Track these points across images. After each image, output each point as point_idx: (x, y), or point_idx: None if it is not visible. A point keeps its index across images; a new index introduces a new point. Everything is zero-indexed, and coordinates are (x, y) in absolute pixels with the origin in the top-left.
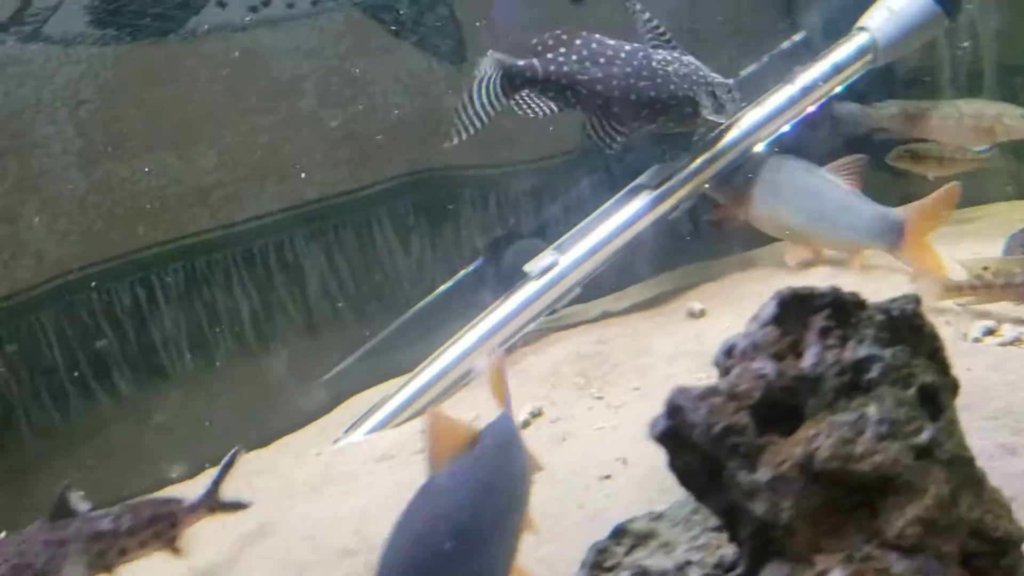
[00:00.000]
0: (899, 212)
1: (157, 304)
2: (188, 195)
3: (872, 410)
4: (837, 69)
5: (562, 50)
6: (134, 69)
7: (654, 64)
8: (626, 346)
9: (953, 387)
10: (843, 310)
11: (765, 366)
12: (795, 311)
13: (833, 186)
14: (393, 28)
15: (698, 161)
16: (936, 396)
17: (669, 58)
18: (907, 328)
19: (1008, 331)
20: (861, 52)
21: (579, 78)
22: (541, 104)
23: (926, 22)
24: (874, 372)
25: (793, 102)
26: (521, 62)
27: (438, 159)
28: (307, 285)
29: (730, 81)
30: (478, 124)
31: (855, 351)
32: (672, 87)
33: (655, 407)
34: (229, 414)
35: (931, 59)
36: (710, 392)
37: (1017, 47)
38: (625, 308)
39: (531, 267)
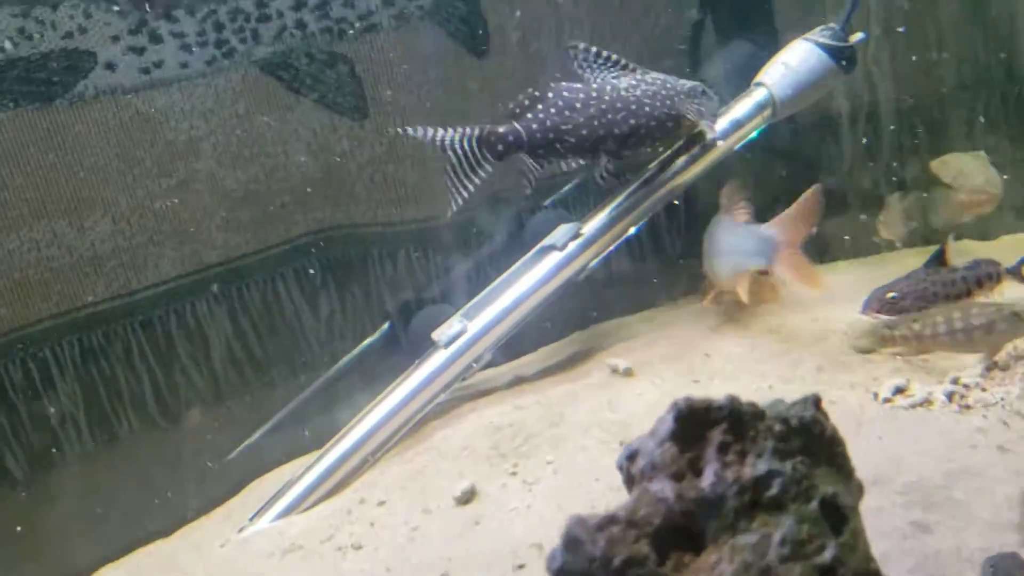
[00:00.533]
0: (768, 226)
1: (51, 380)
2: (82, 264)
3: (774, 530)
4: (737, 125)
5: (539, 107)
6: (19, 136)
7: (623, 92)
8: (539, 415)
9: (857, 491)
10: (741, 422)
11: (664, 488)
12: (693, 424)
13: (724, 223)
14: (293, 85)
15: (607, 219)
16: (839, 507)
17: (634, 82)
18: (807, 436)
19: (918, 390)
20: (760, 108)
21: (564, 128)
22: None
23: (822, 76)
24: (774, 488)
25: (695, 159)
26: (502, 128)
27: (346, 216)
28: (212, 353)
29: (699, 84)
30: (469, 189)
31: (755, 467)
32: (647, 109)
33: (568, 482)
34: (130, 498)
35: (830, 105)
36: (608, 521)
37: (913, 87)
38: (537, 372)
39: (439, 335)
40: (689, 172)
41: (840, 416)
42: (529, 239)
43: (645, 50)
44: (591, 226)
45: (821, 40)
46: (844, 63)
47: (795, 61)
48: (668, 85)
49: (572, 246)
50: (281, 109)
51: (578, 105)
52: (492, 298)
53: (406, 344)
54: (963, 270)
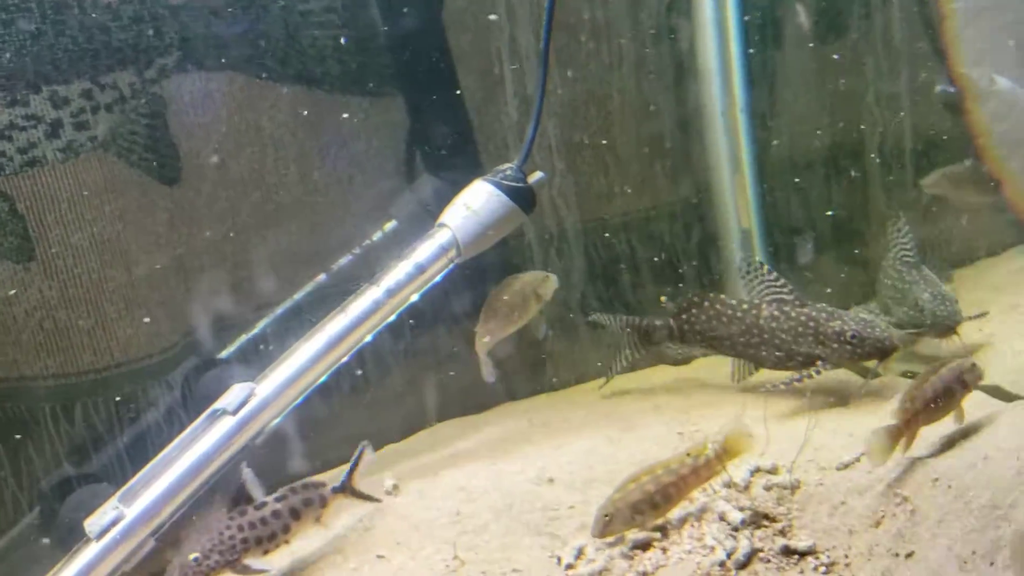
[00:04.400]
0: None
1: None
2: None
3: None
4: (421, 269)
5: (694, 311)
6: None
7: (762, 322)
8: None
9: None
10: None
11: None
12: None
13: None
14: None
15: (286, 377)
16: None
17: (778, 314)
18: None
19: (593, 554)
20: (443, 250)
21: (710, 334)
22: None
23: (504, 218)
24: None
25: (378, 306)
26: (659, 321)
27: (10, 369)
28: None
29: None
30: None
31: None
32: (778, 342)
33: None
34: None
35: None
36: None
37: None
38: None
39: (91, 525)
40: (367, 326)
41: None
42: (200, 400)
43: (356, 173)
44: (267, 385)
45: (501, 181)
46: (524, 204)
47: (477, 203)
48: (811, 325)
49: (245, 410)
50: None
51: (724, 320)
52: (153, 476)
53: (56, 534)
54: (273, 502)
